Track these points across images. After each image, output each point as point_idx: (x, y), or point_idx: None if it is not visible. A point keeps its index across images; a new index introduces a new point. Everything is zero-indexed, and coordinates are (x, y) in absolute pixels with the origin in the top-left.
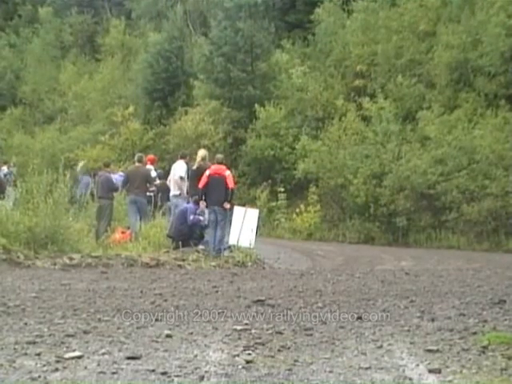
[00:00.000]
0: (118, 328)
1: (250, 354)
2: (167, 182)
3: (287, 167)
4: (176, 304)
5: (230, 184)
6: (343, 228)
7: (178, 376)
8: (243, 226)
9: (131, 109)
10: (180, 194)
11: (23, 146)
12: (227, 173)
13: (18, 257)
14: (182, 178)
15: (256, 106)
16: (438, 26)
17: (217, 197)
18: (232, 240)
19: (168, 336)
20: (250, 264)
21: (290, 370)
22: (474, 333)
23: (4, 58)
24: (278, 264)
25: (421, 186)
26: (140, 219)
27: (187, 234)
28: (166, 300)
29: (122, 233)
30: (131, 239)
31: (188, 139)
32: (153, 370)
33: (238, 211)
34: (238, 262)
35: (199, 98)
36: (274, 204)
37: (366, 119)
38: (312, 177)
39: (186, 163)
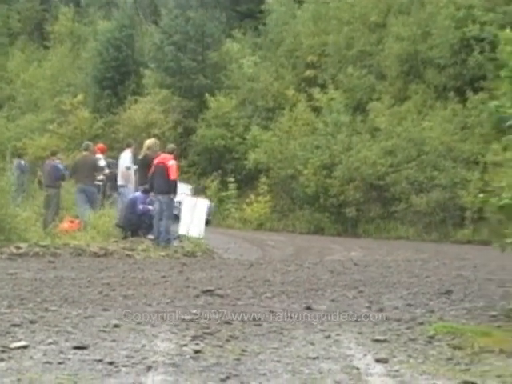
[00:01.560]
0: (65, 318)
1: (198, 344)
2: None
3: (238, 157)
4: (124, 294)
5: (172, 174)
6: (293, 218)
7: (125, 366)
8: (193, 216)
9: (80, 97)
10: (126, 184)
11: None
12: (170, 163)
13: None
14: (128, 167)
15: (207, 95)
16: (389, 17)
17: (160, 186)
18: (182, 230)
19: (116, 326)
20: (199, 254)
21: (238, 359)
22: (421, 323)
23: None
24: (228, 254)
25: (370, 177)
26: (88, 208)
27: (136, 224)
28: (114, 290)
29: (71, 222)
30: (79, 228)
31: (138, 128)
32: (100, 360)
33: (188, 201)
34: (188, 252)
35: (149, 87)
36: (224, 194)
37: (316, 110)
38: (262, 167)
39: (133, 153)
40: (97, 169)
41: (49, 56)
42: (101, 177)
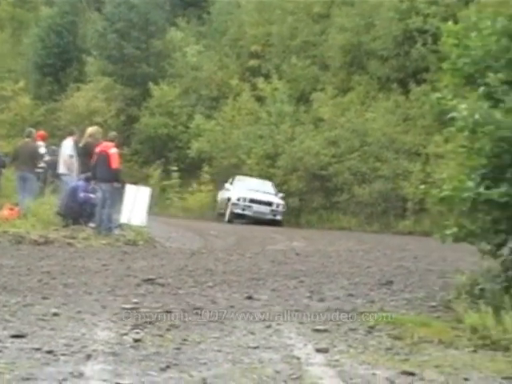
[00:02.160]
0: (4, 306)
1: (138, 333)
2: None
3: (181, 146)
4: (64, 282)
5: (113, 163)
6: None
7: (64, 355)
8: (135, 204)
9: (21, 83)
10: (69, 173)
11: None
12: (112, 151)
13: None
14: (70, 156)
15: (150, 83)
16: (333, 8)
17: (102, 174)
18: (123, 218)
19: (55, 314)
20: (141, 243)
21: (178, 349)
22: (362, 313)
23: None
24: (170, 243)
25: (313, 167)
26: (28, 196)
27: (77, 212)
28: (54, 278)
29: (10, 209)
30: (19, 216)
31: (80, 116)
32: (38, 349)
33: (130, 189)
34: (129, 240)
35: (92, 75)
36: (166, 183)
37: (260, 100)
38: (205, 156)
39: (75, 141)
40: (37, 156)
41: None
42: (41, 164)
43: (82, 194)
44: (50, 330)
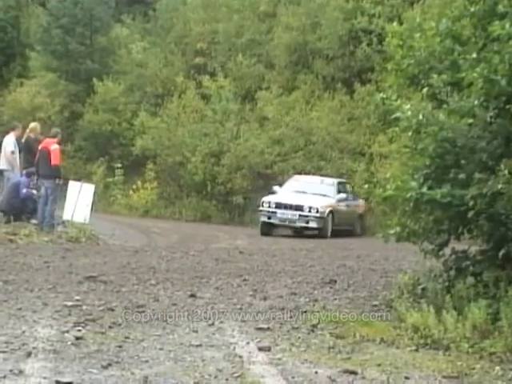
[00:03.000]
0: None
1: (79, 331)
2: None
3: (125, 143)
4: (5, 279)
5: (54, 159)
6: (180, 206)
7: (3, 352)
8: (78, 201)
9: None
10: (11, 169)
11: None
12: (53, 147)
13: None
14: (12, 151)
15: (94, 80)
16: (279, 7)
17: (43, 171)
18: (66, 215)
19: None
20: (83, 240)
21: (120, 346)
22: (305, 312)
23: None
24: (113, 240)
25: (258, 166)
26: None
27: (19, 208)
28: None
29: None
30: None
31: (23, 111)
32: None
33: (73, 186)
34: (72, 237)
35: (35, 70)
36: (110, 180)
37: (205, 97)
38: (150, 153)
39: (17, 136)
40: None
41: None
42: None
43: (24, 190)
44: None
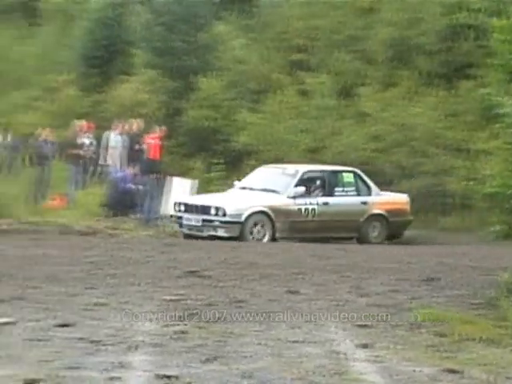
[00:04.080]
0: (50, 295)
1: (181, 325)
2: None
3: (225, 139)
4: (108, 273)
5: (153, 154)
6: None
7: (107, 345)
8: (180, 196)
9: (68, 75)
10: (114, 164)
11: None
12: (153, 142)
13: None
14: (114, 147)
15: (196, 76)
16: (378, 2)
17: (144, 166)
18: (168, 210)
19: (99, 304)
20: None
21: (220, 341)
22: (404, 309)
23: None
24: None
25: (355, 162)
26: (74, 186)
27: (122, 203)
28: (97, 268)
29: (58, 200)
30: (66, 206)
31: (126, 108)
32: (83, 338)
33: (176, 181)
34: (173, 232)
35: (138, 67)
36: (209, 175)
37: (304, 93)
38: (250, 149)
39: (120, 132)
40: (80, 147)
41: (38, 33)
42: (88, 155)
43: (126, 185)
44: (94, 319)
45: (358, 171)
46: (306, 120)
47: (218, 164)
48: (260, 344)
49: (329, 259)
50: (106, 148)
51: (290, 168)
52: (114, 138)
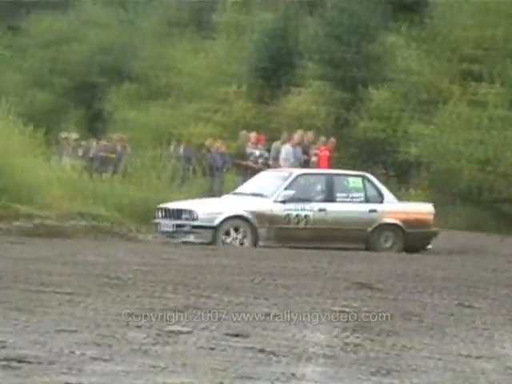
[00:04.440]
0: (221, 305)
1: (352, 337)
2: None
3: (395, 150)
4: (279, 283)
5: (323, 165)
6: (451, 214)
7: (279, 355)
8: None
9: (239, 87)
10: None
11: (132, 121)
12: (323, 154)
13: (121, 229)
14: (283, 158)
15: (365, 87)
16: None
17: None
18: None
19: (271, 315)
20: None
21: (392, 354)
22: None
23: (113, 32)
24: None
25: None
26: None
27: None
28: (269, 279)
29: None
30: None
31: (295, 119)
32: (252, 348)
33: None
34: None
35: (307, 78)
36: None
37: (476, 104)
38: (422, 161)
39: (290, 144)
40: (249, 158)
41: (212, 46)
42: (257, 166)
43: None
44: (266, 330)
45: (370, 176)
46: (477, 131)
47: (387, 176)
48: (432, 358)
49: (502, 272)
50: (276, 159)
51: (286, 170)
52: (284, 150)
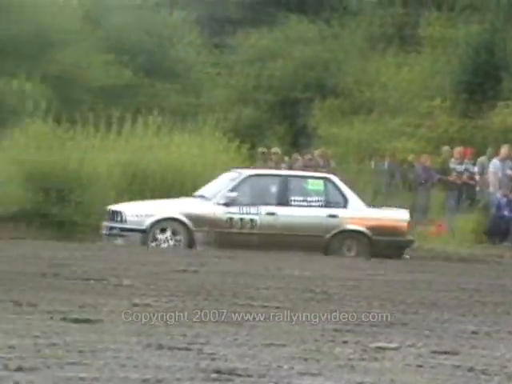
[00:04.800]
0: (427, 321)
1: None
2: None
3: None
4: (487, 300)
5: None
6: None
7: (488, 374)
8: None
9: (443, 101)
10: (492, 190)
11: (335, 136)
12: None
13: None
14: (491, 173)
15: None
16: None
17: None
18: None
19: (480, 332)
20: None
21: None
22: None
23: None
24: None
25: None
26: (452, 213)
27: (503, 230)
28: (473, 295)
29: (437, 226)
30: (445, 233)
31: (501, 133)
32: (460, 366)
33: None
34: None
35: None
36: None
37: None
38: None
39: (499, 158)
40: (454, 173)
41: (416, 60)
42: (463, 181)
43: (505, 212)
44: (475, 348)
45: (334, 178)
46: None
47: None
48: None
49: None
50: (483, 174)
51: (237, 171)
52: (492, 164)
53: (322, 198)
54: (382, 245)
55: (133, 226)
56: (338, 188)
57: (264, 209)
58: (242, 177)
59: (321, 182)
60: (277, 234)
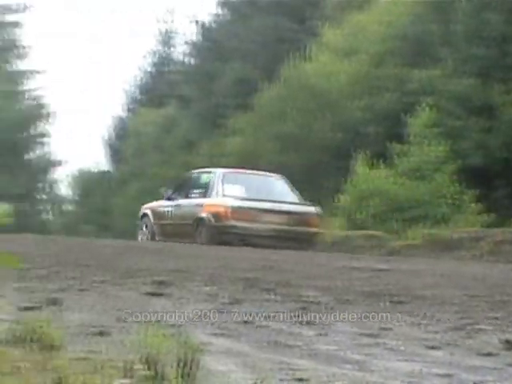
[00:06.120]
0: None
1: None
2: None
3: None
4: None
5: None
6: None
7: None
8: None
9: None
10: None
11: None
12: None
13: None
14: None
15: None
16: None
17: None
18: None
19: None
20: None
21: None
22: None
23: None
24: None
25: None
26: None
27: None
28: None
29: None
30: None
31: None
32: None
33: None
34: None
35: None
36: None
37: None
38: None
39: None
40: None
41: None
42: None
43: None
44: None
45: (219, 172)
46: None
47: None
48: None
49: None
50: None
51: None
52: None
53: (203, 190)
54: (217, 230)
55: None
56: (216, 181)
57: (176, 201)
58: (185, 175)
59: (209, 175)
60: (176, 224)
